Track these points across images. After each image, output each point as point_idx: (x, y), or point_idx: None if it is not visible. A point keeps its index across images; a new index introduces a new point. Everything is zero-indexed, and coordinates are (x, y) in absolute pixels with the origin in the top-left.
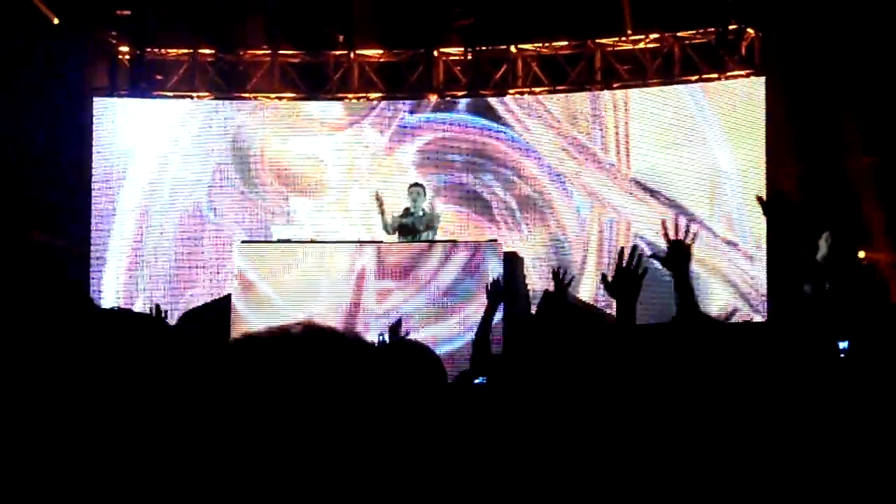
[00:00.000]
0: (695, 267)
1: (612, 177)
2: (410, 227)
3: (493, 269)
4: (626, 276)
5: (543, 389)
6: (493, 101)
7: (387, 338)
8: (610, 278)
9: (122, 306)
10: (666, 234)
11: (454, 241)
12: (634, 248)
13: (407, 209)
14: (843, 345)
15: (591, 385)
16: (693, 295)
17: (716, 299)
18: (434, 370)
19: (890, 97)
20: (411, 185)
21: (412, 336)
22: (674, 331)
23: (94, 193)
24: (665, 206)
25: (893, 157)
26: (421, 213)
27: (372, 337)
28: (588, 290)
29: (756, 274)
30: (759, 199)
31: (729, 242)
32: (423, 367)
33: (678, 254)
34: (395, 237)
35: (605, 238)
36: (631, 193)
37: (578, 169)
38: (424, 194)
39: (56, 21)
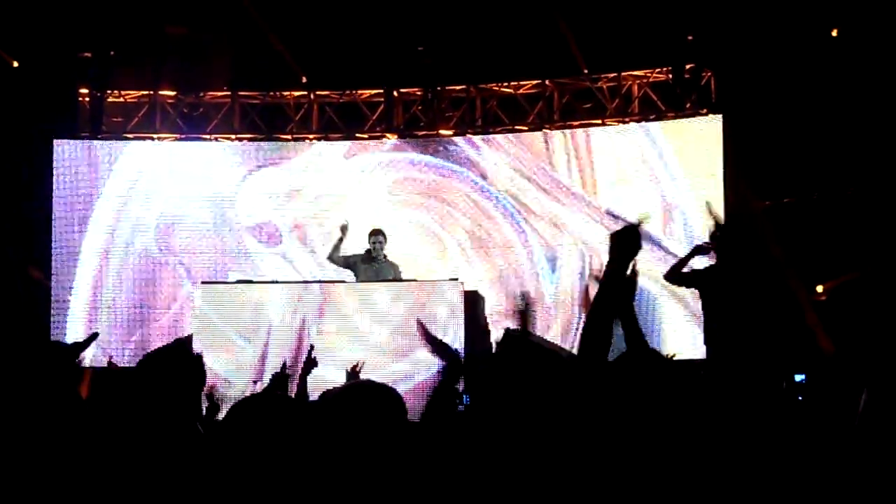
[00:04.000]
0: (659, 300)
1: (581, 209)
2: (374, 274)
3: (454, 307)
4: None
5: (506, 426)
6: (454, 139)
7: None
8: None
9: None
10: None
11: (414, 280)
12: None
13: (368, 253)
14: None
15: (553, 422)
16: (639, 330)
17: (678, 330)
18: (395, 408)
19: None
20: (373, 232)
21: (370, 376)
22: (623, 367)
23: (54, 235)
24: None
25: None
26: (383, 260)
27: (330, 375)
28: (563, 320)
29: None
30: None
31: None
32: (385, 406)
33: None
34: (346, 274)
35: (577, 270)
36: (602, 224)
37: (545, 201)
38: (385, 241)
39: (15, 64)
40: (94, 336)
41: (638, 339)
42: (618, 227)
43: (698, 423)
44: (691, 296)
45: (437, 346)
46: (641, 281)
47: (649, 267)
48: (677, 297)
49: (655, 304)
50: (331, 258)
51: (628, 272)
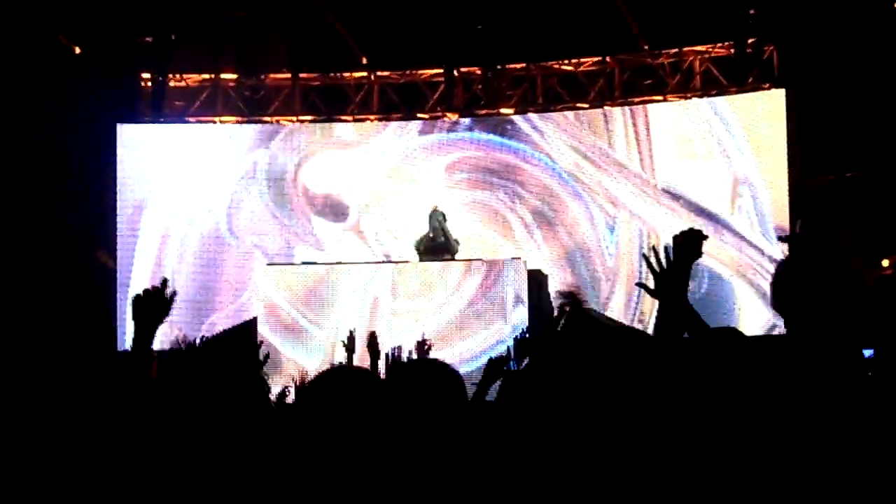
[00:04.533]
0: (725, 277)
1: (639, 187)
2: (442, 248)
3: (517, 286)
4: (666, 277)
5: (568, 404)
6: (514, 118)
7: (414, 354)
8: (651, 285)
9: None
10: (650, 266)
11: (478, 260)
12: (654, 248)
13: (429, 233)
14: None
15: (616, 400)
16: (695, 315)
17: (743, 307)
18: (455, 387)
19: None
20: (433, 211)
21: (434, 355)
22: (698, 346)
23: (118, 218)
24: (691, 215)
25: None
26: (443, 238)
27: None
28: (621, 299)
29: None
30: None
31: (757, 248)
32: (445, 384)
33: (667, 283)
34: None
35: (636, 248)
36: (659, 203)
37: (603, 180)
38: (445, 220)
39: (78, 51)
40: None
41: (698, 324)
42: (676, 206)
43: (775, 400)
44: (757, 274)
45: None
46: (711, 264)
47: (718, 250)
48: (747, 278)
49: (725, 286)
50: (421, 243)
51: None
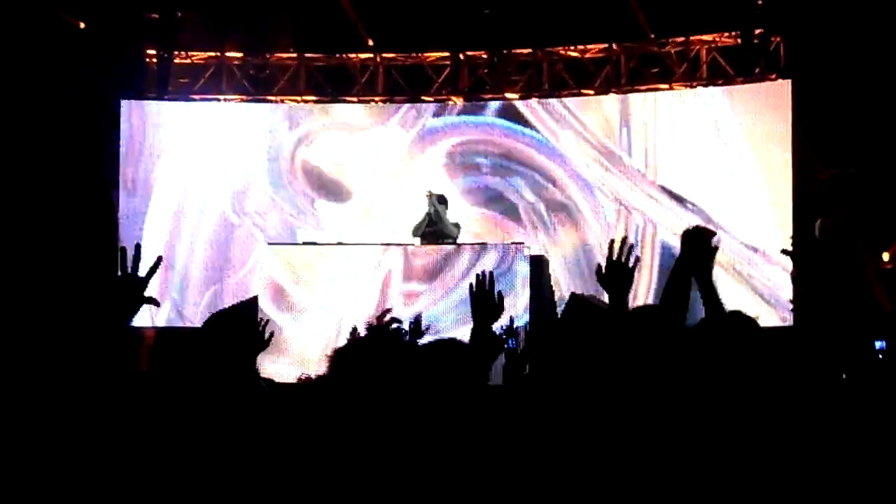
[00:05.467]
0: (717, 272)
1: (637, 182)
2: (439, 234)
3: (520, 271)
4: (617, 269)
5: (568, 391)
6: (518, 104)
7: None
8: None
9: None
10: (609, 256)
11: (482, 244)
12: (624, 239)
13: (429, 215)
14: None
15: (614, 386)
16: (718, 299)
17: (738, 304)
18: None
19: None
20: (431, 195)
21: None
22: (702, 333)
23: (121, 194)
24: (690, 211)
25: None
26: (442, 222)
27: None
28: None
29: (779, 278)
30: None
31: (751, 247)
32: (459, 361)
33: (617, 274)
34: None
35: (639, 240)
36: (655, 199)
37: (604, 172)
38: (446, 204)
39: (82, 25)
40: (158, 260)
41: (717, 307)
42: (680, 194)
43: (783, 388)
44: (755, 271)
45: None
46: None
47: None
48: (741, 274)
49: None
50: (421, 226)
51: (713, 242)
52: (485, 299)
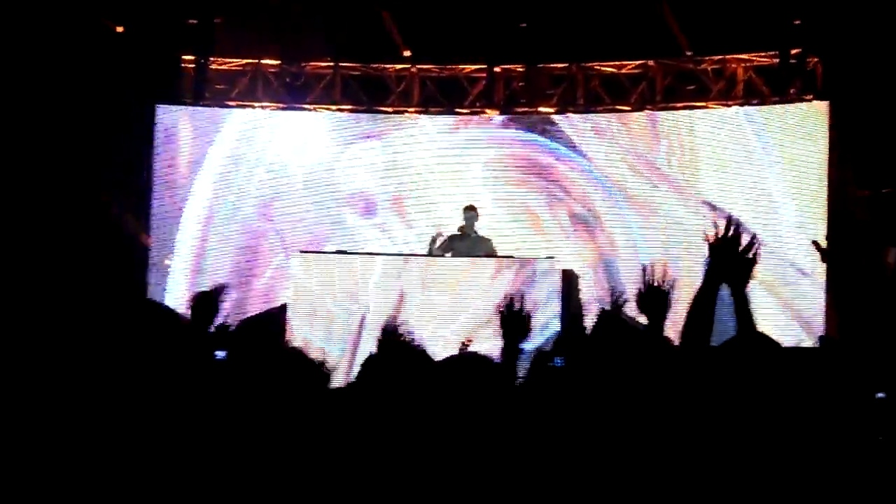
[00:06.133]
0: (753, 288)
1: (678, 194)
2: (466, 250)
3: (550, 285)
4: (653, 294)
5: (599, 407)
6: (553, 118)
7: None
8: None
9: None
10: (645, 281)
11: (511, 257)
12: (660, 264)
13: (462, 229)
14: None
15: (644, 404)
16: (751, 317)
17: (769, 320)
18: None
19: None
20: (466, 208)
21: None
22: (730, 352)
23: (154, 199)
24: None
25: None
26: (475, 235)
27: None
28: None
29: (812, 296)
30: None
31: (786, 262)
32: (489, 377)
33: (654, 299)
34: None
35: (672, 255)
36: (697, 212)
37: (640, 185)
38: (478, 216)
39: (120, 29)
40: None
41: (749, 325)
42: (715, 212)
43: (810, 409)
44: (781, 284)
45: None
46: None
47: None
48: (767, 284)
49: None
50: (430, 253)
51: (749, 254)
52: (514, 320)
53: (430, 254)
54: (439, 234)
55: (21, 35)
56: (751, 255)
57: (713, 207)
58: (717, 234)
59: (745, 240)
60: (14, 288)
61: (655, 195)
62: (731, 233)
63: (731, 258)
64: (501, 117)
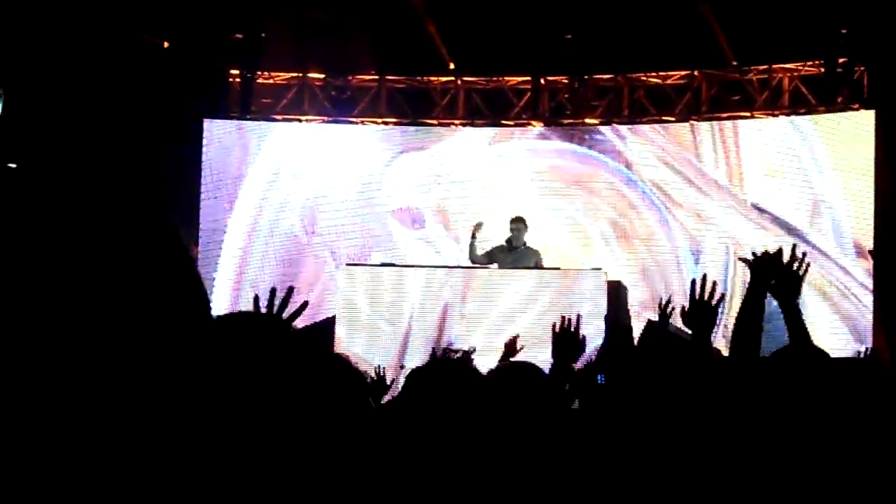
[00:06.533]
0: (803, 299)
1: (726, 201)
2: (514, 262)
3: (596, 296)
4: (701, 308)
5: (643, 418)
6: (600, 129)
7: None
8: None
9: None
10: (692, 294)
11: (557, 269)
12: (706, 277)
13: (509, 241)
14: None
15: (690, 415)
16: (803, 327)
17: (820, 328)
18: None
19: None
20: (514, 220)
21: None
22: (779, 364)
23: (201, 213)
24: (777, 233)
25: None
26: (523, 247)
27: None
28: None
29: (862, 304)
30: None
31: (835, 270)
32: (537, 387)
33: (701, 313)
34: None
35: (721, 263)
36: (747, 218)
37: (689, 193)
38: (526, 228)
39: (166, 45)
40: (304, 305)
41: (801, 335)
42: (764, 222)
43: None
44: (838, 294)
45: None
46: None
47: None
48: (825, 294)
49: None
50: (472, 259)
51: (800, 269)
52: (567, 340)
53: (471, 252)
54: (478, 227)
55: (73, 53)
56: (799, 270)
57: (762, 212)
58: (764, 253)
59: (788, 254)
60: (76, 303)
61: (702, 203)
62: (776, 252)
63: (776, 273)
64: (545, 129)
